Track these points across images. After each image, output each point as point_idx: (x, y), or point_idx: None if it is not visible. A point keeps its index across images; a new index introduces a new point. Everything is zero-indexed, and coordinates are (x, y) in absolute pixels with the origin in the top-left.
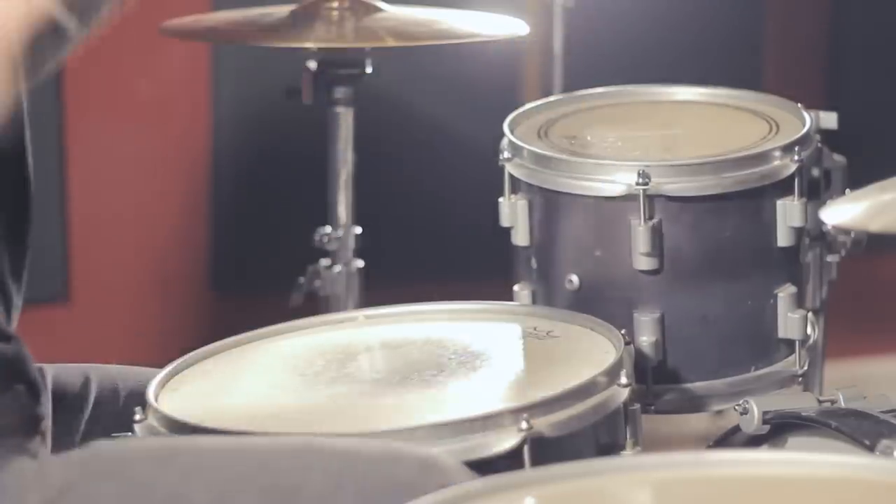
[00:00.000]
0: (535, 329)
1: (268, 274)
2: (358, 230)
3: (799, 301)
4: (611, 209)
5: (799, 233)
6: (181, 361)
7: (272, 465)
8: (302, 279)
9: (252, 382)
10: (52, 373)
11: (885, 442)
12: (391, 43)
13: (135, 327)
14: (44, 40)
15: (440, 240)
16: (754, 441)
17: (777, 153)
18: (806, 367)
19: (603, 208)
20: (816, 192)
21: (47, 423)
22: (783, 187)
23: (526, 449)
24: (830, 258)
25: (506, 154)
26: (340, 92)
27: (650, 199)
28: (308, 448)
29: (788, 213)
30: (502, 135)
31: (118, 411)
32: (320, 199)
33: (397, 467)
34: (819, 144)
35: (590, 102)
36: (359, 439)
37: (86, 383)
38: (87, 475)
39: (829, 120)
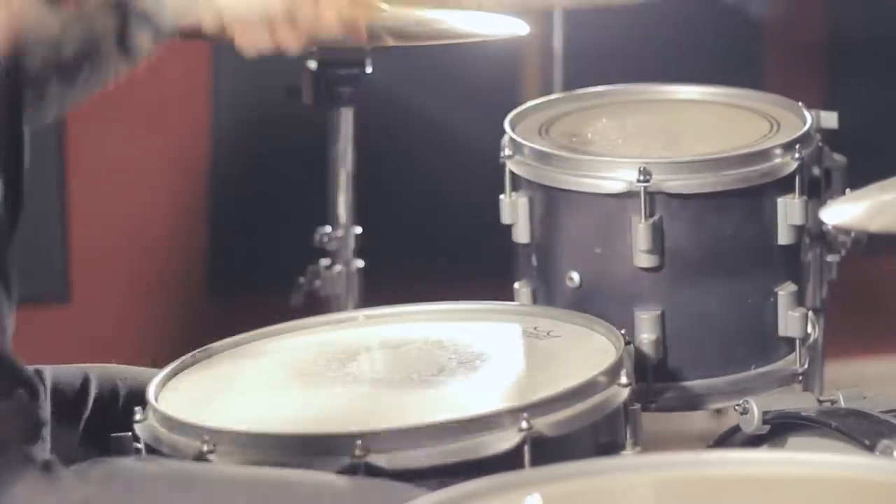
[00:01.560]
0: (535, 329)
1: (268, 274)
2: (358, 230)
3: (799, 299)
4: (611, 206)
5: (799, 231)
6: (181, 361)
7: (284, 499)
8: (302, 279)
9: (252, 382)
10: (51, 374)
11: (885, 442)
12: (391, 43)
13: (135, 327)
14: None
15: (440, 238)
16: (754, 441)
17: (778, 151)
18: (806, 366)
19: (604, 205)
20: (817, 191)
21: (47, 426)
22: (784, 185)
23: (526, 449)
24: (830, 258)
25: (506, 151)
26: (340, 92)
27: (651, 196)
28: (319, 484)
29: (789, 211)
30: (503, 133)
31: (118, 411)
32: (320, 199)
33: None
34: (819, 143)
35: (591, 101)
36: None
37: (85, 384)
38: (105, 494)
39: (830, 119)
